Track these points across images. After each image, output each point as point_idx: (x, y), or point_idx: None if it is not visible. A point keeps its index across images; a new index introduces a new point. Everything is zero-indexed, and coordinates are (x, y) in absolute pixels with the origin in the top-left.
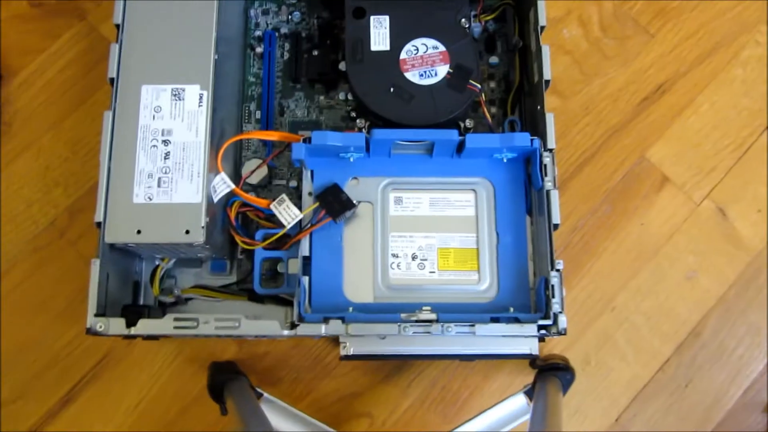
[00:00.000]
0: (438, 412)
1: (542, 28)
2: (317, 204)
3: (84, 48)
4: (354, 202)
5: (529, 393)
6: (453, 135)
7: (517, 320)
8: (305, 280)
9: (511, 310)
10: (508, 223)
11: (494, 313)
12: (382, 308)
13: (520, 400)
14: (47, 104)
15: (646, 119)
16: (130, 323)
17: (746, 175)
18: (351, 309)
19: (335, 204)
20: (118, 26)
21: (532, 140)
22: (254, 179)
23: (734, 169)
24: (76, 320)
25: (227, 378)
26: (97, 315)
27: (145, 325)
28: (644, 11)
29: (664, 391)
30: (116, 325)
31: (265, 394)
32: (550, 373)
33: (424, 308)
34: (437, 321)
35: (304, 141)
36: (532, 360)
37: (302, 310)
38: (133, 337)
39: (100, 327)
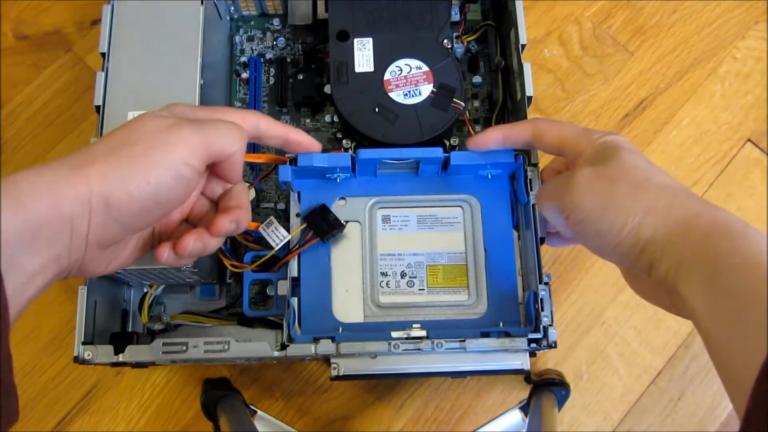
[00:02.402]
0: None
1: (523, 46)
2: (305, 225)
3: (70, 79)
4: (342, 222)
5: (525, 408)
6: (438, 152)
7: (507, 334)
8: (294, 301)
9: (501, 324)
10: (496, 239)
11: (484, 328)
12: (373, 327)
13: (515, 416)
14: (34, 135)
15: (628, 134)
16: (118, 350)
17: (729, 188)
18: (341, 329)
19: (323, 224)
20: (103, 54)
21: (516, 156)
22: None
23: (717, 181)
24: (63, 351)
25: (221, 395)
26: (84, 343)
27: (133, 352)
28: (623, 30)
29: (657, 404)
30: (104, 353)
31: (259, 412)
32: (545, 389)
33: (414, 326)
34: (428, 338)
35: (291, 163)
36: (527, 375)
37: (292, 332)
38: (122, 364)
39: (88, 355)
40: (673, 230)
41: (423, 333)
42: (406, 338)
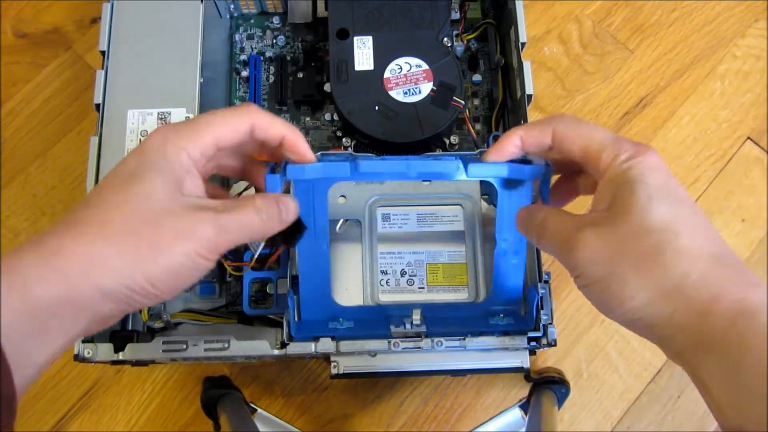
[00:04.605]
0: (432, 430)
1: (523, 44)
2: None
3: (70, 77)
4: (303, 223)
5: (525, 407)
6: (452, 168)
7: (507, 333)
8: (294, 299)
9: (501, 316)
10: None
11: (483, 312)
12: (372, 310)
13: (515, 414)
14: (34, 133)
15: (628, 132)
16: (118, 348)
17: (729, 186)
18: (342, 320)
19: (285, 230)
20: (103, 53)
21: (545, 164)
22: None
23: (717, 179)
24: None
25: (221, 393)
26: (84, 341)
27: (133, 350)
28: (623, 28)
29: (656, 402)
30: (104, 351)
31: (259, 410)
32: (545, 387)
33: (414, 310)
34: (427, 336)
35: (273, 171)
36: (526, 374)
37: (292, 330)
38: (122, 362)
39: (88, 353)
40: (689, 313)
41: (420, 323)
42: (406, 327)
